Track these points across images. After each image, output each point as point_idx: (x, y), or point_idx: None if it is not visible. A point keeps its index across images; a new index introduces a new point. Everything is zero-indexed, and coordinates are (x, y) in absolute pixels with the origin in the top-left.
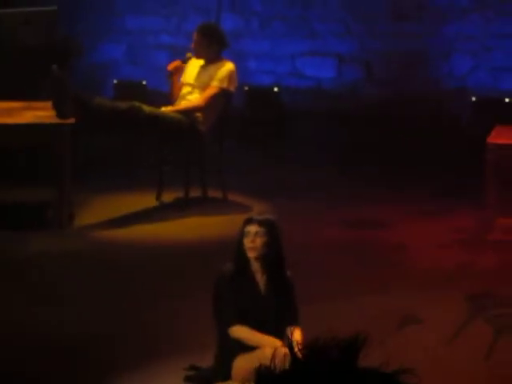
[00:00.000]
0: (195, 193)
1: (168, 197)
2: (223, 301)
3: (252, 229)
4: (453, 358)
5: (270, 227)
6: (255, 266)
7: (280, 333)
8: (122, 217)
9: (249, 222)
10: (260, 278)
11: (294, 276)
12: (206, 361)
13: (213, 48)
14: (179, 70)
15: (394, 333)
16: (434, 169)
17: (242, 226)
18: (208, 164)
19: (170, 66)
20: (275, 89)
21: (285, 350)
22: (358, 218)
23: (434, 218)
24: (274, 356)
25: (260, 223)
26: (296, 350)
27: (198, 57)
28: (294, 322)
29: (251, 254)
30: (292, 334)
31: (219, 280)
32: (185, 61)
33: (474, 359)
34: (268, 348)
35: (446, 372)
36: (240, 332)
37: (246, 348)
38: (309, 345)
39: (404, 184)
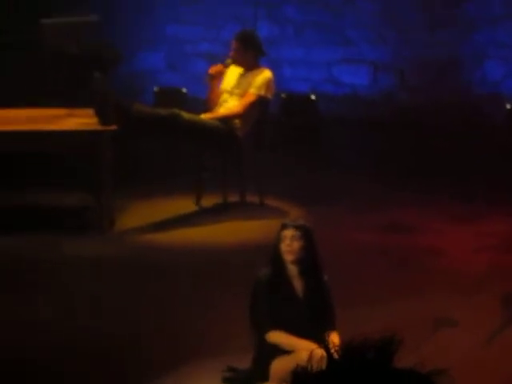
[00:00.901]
0: (233, 198)
1: (207, 202)
2: (260, 305)
3: (288, 233)
4: (488, 360)
5: (305, 232)
6: (292, 271)
7: (316, 337)
8: (162, 221)
9: (285, 226)
10: (297, 283)
11: (330, 280)
12: (244, 362)
13: (250, 54)
14: (220, 74)
15: (429, 336)
16: (466, 174)
17: (278, 231)
18: (245, 169)
19: (212, 70)
20: (312, 96)
21: (321, 351)
22: (390, 223)
23: (466, 223)
24: (310, 357)
25: (296, 228)
26: (332, 350)
27: (237, 64)
28: (331, 326)
29: (288, 258)
30: (329, 337)
31: (256, 284)
32: (226, 65)
33: (510, 362)
34: (305, 351)
35: (482, 375)
36: (276, 337)
37: (283, 351)
38: (344, 345)
39: (436, 189)
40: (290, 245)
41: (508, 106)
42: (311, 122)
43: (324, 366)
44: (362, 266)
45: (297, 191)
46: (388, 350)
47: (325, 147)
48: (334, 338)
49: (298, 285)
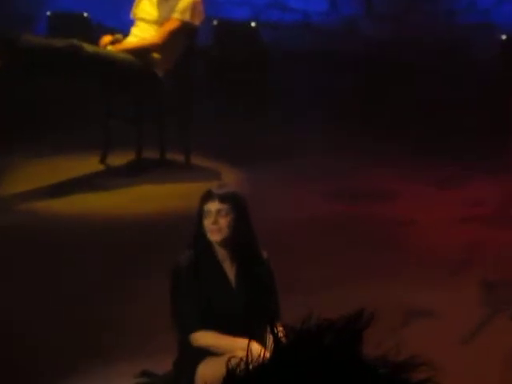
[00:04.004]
0: (150, 154)
1: (116, 159)
2: (182, 298)
3: (213, 206)
4: (469, 359)
5: (235, 203)
6: (221, 253)
7: (256, 333)
8: (58, 185)
9: (208, 197)
10: (228, 267)
11: (272, 260)
12: (163, 366)
13: None
14: (117, 41)
15: (399, 329)
16: (449, 125)
17: (199, 204)
18: (166, 118)
19: (103, 42)
20: (252, 23)
21: (260, 347)
22: (351, 188)
23: (449, 188)
24: (248, 352)
25: (222, 199)
26: (279, 337)
27: None
28: (275, 318)
29: (214, 238)
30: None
31: (176, 272)
32: (117, 39)
33: (493, 361)
34: (240, 351)
35: (462, 375)
36: (204, 339)
37: (212, 353)
38: (295, 328)
39: (413, 144)
40: (215, 222)
41: (503, 37)
42: (251, 56)
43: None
44: (316, 242)
45: (232, 147)
46: (354, 332)
47: (269, 89)
48: (279, 332)
49: (229, 270)
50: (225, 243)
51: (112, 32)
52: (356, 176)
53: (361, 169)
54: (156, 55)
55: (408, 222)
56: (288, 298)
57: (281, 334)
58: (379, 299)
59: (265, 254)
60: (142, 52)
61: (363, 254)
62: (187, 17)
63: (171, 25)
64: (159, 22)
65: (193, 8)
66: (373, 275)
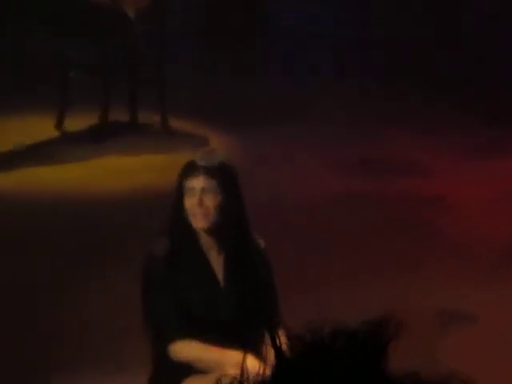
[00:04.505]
0: (119, 116)
1: (75, 123)
2: (157, 299)
3: (196, 183)
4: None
5: (225, 178)
6: (206, 241)
7: (251, 343)
8: (3, 156)
9: (190, 171)
10: (215, 259)
11: (270, 250)
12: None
13: None
14: None
15: (428, 332)
16: (481, 79)
17: (179, 179)
18: (140, 70)
19: None
20: None
21: (258, 363)
22: (368, 160)
23: (486, 158)
24: (242, 369)
25: (209, 172)
26: (280, 346)
27: None
28: (274, 321)
29: (198, 224)
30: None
31: (149, 265)
32: None
33: None
34: (231, 367)
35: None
36: (186, 351)
37: (197, 369)
38: (302, 336)
39: (439, 105)
40: (200, 202)
41: None
42: None
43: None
44: (325, 227)
45: (222, 106)
46: (378, 345)
47: (271, 28)
48: (281, 338)
49: (216, 262)
50: (211, 230)
51: None
52: (376, 144)
53: (381, 135)
54: None
55: (438, 201)
56: (291, 297)
57: (283, 345)
58: (406, 299)
59: (261, 243)
60: None
61: (384, 242)
62: None
63: None
64: None
65: None
66: (397, 268)
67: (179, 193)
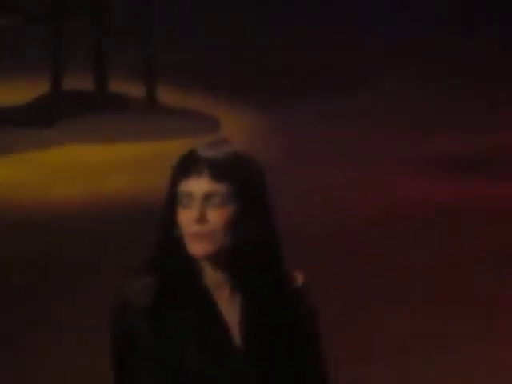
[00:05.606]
0: (78, 84)
1: (10, 94)
2: (137, 370)
3: (197, 186)
4: None
5: (241, 178)
6: (213, 279)
7: None
8: None
9: (189, 166)
10: (227, 306)
11: (318, 288)
12: None
13: None
14: None
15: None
16: None
17: (171, 181)
18: (117, 27)
19: None
20: None
21: None
22: (459, 154)
23: None
24: None
25: (217, 170)
26: None
27: None
28: None
29: (198, 251)
30: None
31: (125, 322)
32: None
33: None
34: None
35: None
36: None
37: None
38: None
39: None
40: (201, 217)
41: None
42: None
43: None
44: (393, 248)
45: (235, 74)
46: None
47: None
48: None
49: (229, 311)
50: (219, 260)
51: None
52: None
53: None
54: None
55: None
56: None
57: None
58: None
59: (299, 279)
60: None
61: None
62: None
63: None
64: None
65: None
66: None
67: (169, 202)
